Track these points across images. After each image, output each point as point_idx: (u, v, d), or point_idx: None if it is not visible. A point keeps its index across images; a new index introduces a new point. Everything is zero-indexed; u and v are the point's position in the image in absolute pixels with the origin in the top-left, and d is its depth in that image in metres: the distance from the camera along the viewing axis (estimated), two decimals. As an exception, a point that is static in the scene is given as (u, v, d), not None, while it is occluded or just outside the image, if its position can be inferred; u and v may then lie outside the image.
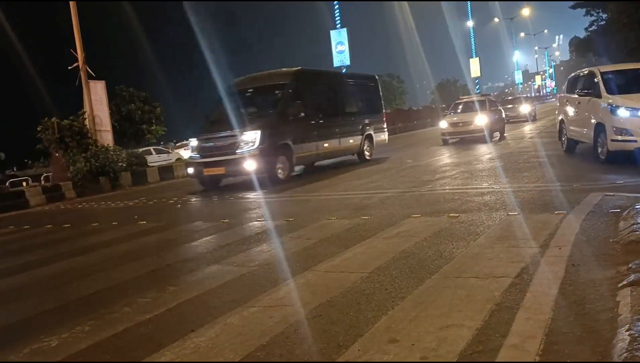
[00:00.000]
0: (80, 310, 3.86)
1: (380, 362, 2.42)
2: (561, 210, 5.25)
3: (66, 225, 8.75)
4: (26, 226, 9.33)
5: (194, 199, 10.44)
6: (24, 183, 15.72)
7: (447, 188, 7.97)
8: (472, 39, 58.00)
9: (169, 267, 4.95)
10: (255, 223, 6.76)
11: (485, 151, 13.55)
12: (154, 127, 31.94)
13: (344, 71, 30.79)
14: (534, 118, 26.32)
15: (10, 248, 7.44)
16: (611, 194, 5.80)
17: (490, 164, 10.41)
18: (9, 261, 6.29)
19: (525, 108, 26.58)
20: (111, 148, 14.95)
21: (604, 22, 56.90)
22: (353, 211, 6.82)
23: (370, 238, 5.07)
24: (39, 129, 14.42)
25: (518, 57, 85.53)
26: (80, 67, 15.00)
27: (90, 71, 15.08)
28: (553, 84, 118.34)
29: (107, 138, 15.31)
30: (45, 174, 18.46)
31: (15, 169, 33.11)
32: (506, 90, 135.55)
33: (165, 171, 16.93)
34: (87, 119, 14.96)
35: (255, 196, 9.80)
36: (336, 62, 30.38)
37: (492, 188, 7.37)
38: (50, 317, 3.82)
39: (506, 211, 5.59)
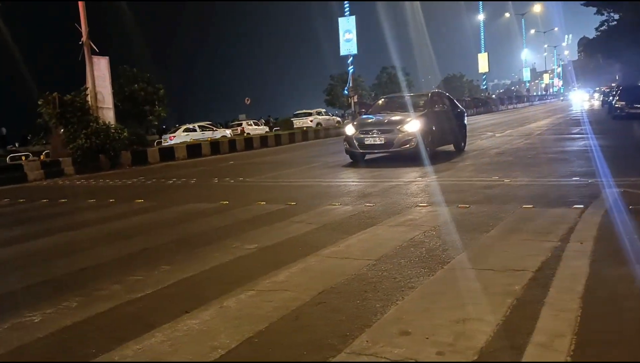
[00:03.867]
0: (67, 286, 3.64)
1: (391, 360, 2.17)
2: (578, 205, 5.00)
3: (62, 200, 8.52)
4: (21, 200, 9.10)
5: (193, 180, 10.20)
6: (23, 158, 15.44)
7: (453, 179, 7.73)
8: (482, 34, 57.49)
9: (164, 246, 4.72)
10: (256, 206, 6.51)
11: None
12: (157, 108, 31.58)
13: (350, 60, 30.39)
14: (461, 147, 12.00)
15: (2, 221, 7.22)
16: (629, 190, 5.54)
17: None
18: None
19: (412, 126, 9.86)
20: (112, 126, 14.66)
21: (615, 22, 56.28)
22: (356, 198, 6.59)
23: (375, 226, 4.83)
24: (39, 103, 14.12)
25: (527, 54, 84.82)
26: (84, 41, 14.66)
27: (94, 47, 14.75)
28: (560, 83, 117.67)
29: (108, 115, 15.01)
30: (46, 151, 18.21)
31: (17, 145, 32.86)
32: (512, 88, 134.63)
33: (166, 152, 16.67)
34: (89, 96, 14.66)
35: (256, 179, 9.57)
36: (343, 51, 29.91)
37: (502, 181, 7.11)
38: (35, 292, 3.60)
39: (519, 203, 5.34)
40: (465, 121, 12.90)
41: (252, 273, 3.58)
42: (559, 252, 3.47)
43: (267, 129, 32.91)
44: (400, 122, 10.05)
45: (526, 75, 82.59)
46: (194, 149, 17.40)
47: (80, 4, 14.60)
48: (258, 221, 5.53)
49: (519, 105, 59.68)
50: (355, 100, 28.58)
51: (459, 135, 12.06)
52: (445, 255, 3.62)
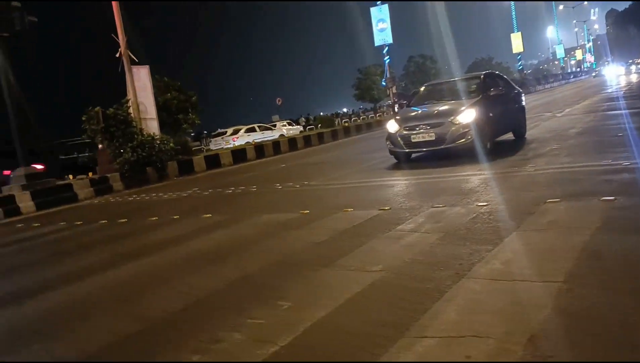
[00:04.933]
0: (173, 335, 2.95)
1: None
2: None
3: (122, 220, 7.97)
4: (78, 222, 8.62)
5: (254, 188, 9.53)
6: (71, 176, 15.19)
7: (555, 166, 6.78)
8: (513, 13, 55.37)
9: (264, 271, 4.00)
10: (343, 213, 5.74)
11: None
12: (191, 116, 31.35)
13: (385, 50, 29.34)
14: (522, 134, 10.82)
15: (65, 247, 6.68)
16: None
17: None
18: (66, 263, 5.50)
19: (467, 116, 8.54)
20: (157, 136, 14.20)
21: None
22: (457, 196, 5.73)
23: (515, 232, 3.98)
24: (83, 118, 13.78)
25: (556, 31, 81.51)
26: (122, 52, 14.25)
27: (133, 57, 14.32)
28: (592, 58, 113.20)
29: (152, 126, 14.58)
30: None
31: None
32: (541, 67, 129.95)
33: (212, 159, 16.15)
34: (131, 107, 14.24)
35: (321, 182, 8.83)
36: (377, 41, 28.91)
37: (619, 163, 6.13)
38: (138, 345, 2.92)
39: (679, 192, 4.40)
40: (524, 103, 11.57)
41: (403, 308, 2.80)
42: None
43: (300, 128, 32.26)
44: (452, 112, 8.68)
45: (560, 52, 79.38)
46: (238, 154, 16.87)
47: (117, 14, 14.16)
48: (359, 232, 4.75)
49: (555, 83, 57.34)
50: (394, 91, 27.55)
51: (520, 120, 10.80)
52: (659, 271, 2.76)
